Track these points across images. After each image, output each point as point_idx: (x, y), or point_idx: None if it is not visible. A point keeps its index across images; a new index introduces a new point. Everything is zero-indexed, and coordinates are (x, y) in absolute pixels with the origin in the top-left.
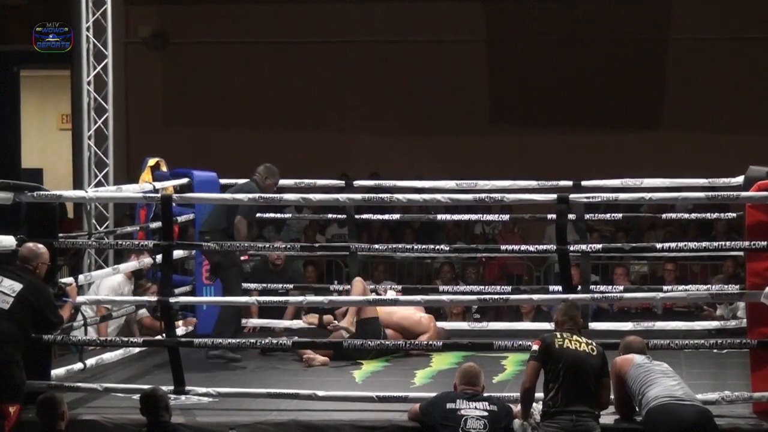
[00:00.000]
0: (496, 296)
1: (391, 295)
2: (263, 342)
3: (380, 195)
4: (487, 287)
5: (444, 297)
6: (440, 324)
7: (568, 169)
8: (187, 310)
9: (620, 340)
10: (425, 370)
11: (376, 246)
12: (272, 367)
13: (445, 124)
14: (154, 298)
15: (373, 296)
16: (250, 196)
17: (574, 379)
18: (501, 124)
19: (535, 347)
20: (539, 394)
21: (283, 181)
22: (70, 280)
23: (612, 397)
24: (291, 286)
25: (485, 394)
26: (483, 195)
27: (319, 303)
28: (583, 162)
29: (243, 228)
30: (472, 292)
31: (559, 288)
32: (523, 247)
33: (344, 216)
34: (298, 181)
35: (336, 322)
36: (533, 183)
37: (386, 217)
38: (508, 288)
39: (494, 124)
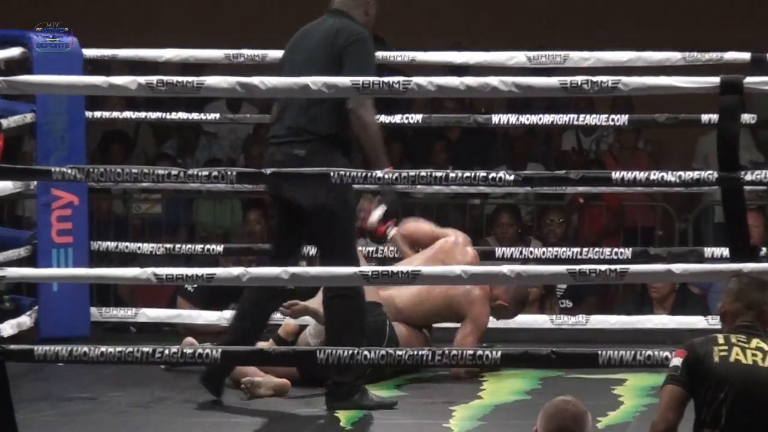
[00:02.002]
0: (603, 267)
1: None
2: (168, 352)
3: (388, 78)
4: (585, 251)
5: (504, 268)
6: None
7: (739, 32)
8: (21, 293)
9: None
10: (470, 404)
11: (380, 174)
12: (185, 400)
13: None
14: None
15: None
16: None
17: (752, 418)
18: None
19: (677, 361)
20: None
21: (206, 53)
22: None
23: None
24: (220, 248)
25: None
26: (578, 78)
27: (275, 279)
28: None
29: (370, 116)
30: (557, 260)
31: (725, 251)
32: (656, 176)
33: None
34: (234, 51)
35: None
36: (675, 56)
37: (398, 119)
38: (627, 252)
39: None
